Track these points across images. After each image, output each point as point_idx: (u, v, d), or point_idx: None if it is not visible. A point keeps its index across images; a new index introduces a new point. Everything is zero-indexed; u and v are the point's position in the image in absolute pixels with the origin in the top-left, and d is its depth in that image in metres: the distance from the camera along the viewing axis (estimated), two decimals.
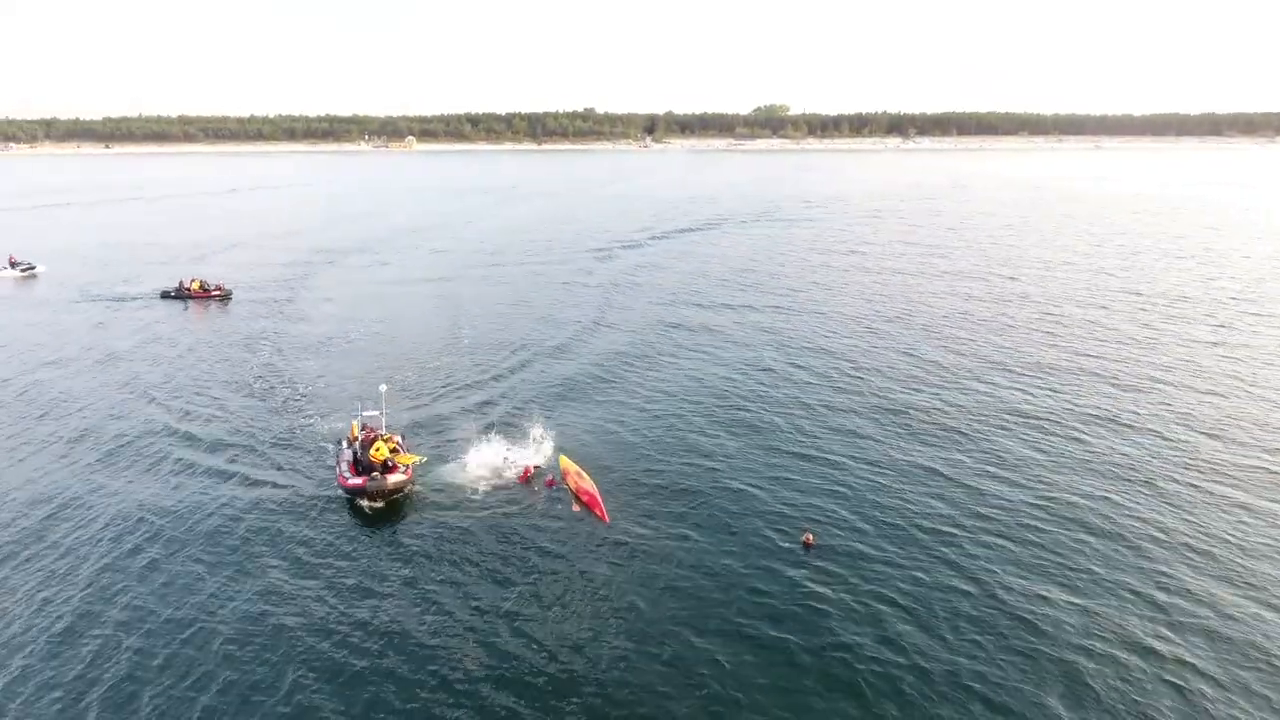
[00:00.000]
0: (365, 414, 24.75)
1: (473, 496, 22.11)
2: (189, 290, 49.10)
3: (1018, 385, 31.30)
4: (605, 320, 43.03)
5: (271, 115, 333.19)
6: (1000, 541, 19.69)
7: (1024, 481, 22.91)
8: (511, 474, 23.07)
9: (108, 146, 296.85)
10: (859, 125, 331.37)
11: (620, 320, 43.00)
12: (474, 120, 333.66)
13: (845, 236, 74.47)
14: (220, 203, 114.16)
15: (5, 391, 31.81)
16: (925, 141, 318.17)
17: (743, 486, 22.63)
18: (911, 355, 35.60)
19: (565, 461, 23.09)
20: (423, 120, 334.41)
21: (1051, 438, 26.10)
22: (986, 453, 24.91)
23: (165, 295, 49.39)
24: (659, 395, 30.59)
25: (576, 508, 21.05)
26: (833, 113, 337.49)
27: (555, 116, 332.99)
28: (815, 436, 26.35)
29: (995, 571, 18.40)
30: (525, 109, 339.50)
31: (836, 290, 49.93)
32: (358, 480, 21.40)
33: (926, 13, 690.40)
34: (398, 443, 23.14)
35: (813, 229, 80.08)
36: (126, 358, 36.47)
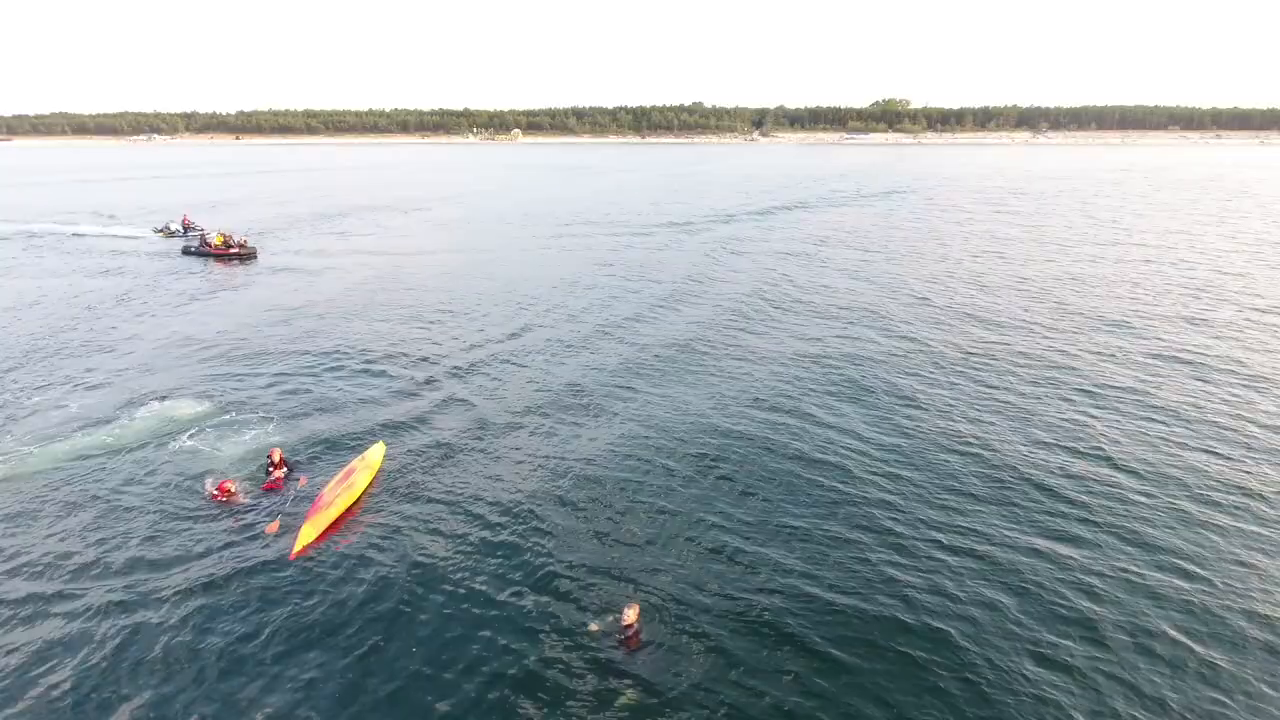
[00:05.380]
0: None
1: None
2: (210, 246, 44.21)
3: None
4: (685, 292, 36.23)
5: (387, 109, 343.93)
6: None
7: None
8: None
9: (237, 138, 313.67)
10: (984, 119, 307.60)
11: (698, 292, 36.06)
12: (579, 114, 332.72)
13: (993, 214, 64.58)
14: (347, 177, 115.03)
15: None
16: (1057, 136, 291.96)
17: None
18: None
19: (374, 453, 16.12)
20: (529, 114, 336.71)
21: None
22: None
23: (187, 251, 44.82)
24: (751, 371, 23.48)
25: (272, 528, 13.88)
26: (955, 106, 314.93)
27: (661, 110, 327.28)
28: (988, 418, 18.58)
29: None
30: (631, 103, 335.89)
31: (1010, 259, 41.16)
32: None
33: None
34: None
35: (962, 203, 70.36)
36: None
